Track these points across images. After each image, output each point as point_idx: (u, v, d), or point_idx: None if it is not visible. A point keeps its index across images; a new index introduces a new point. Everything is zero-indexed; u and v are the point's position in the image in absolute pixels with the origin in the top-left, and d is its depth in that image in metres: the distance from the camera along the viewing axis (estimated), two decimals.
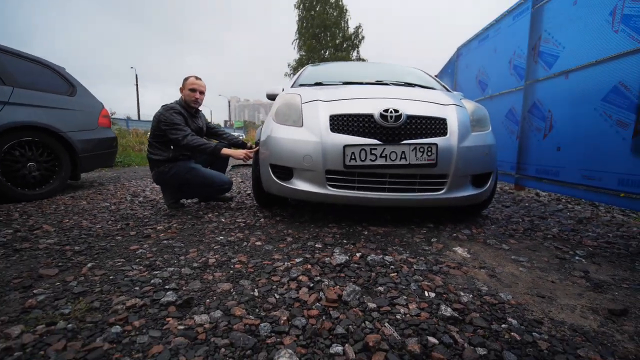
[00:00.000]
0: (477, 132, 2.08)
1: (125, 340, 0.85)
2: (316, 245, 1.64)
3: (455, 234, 1.90)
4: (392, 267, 1.36)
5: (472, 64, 5.31)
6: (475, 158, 2.00)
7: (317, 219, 2.18)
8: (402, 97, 2.06)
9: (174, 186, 2.51)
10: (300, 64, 21.79)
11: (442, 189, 1.91)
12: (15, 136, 2.66)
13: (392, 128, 1.84)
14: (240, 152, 2.40)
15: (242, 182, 4.26)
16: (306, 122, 1.99)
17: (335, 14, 21.48)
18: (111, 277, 1.24)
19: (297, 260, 1.43)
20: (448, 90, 2.84)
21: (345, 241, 1.72)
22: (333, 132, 1.88)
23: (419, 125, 1.88)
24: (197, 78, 2.48)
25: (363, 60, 22.42)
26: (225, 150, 2.40)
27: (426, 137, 1.87)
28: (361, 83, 2.66)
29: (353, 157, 1.83)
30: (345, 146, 1.82)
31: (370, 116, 1.87)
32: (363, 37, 22.36)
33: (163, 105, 2.40)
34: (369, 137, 1.85)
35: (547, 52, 3.27)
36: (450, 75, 6.43)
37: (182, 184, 2.48)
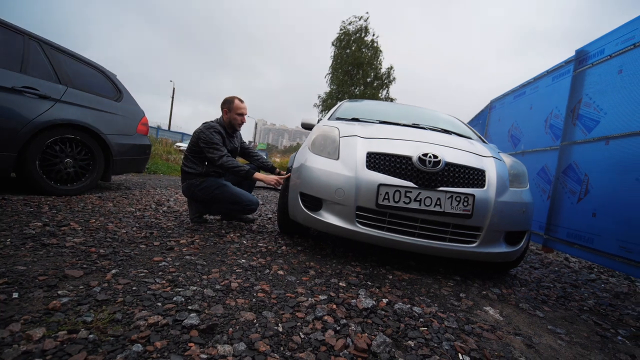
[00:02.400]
0: (515, 188, 2.03)
1: None
2: (340, 284, 1.56)
3: (484, 292, 1.78)
4: (421, 320, 1.27)
5: (505, 118, 5.32)
6: (511, 214, 1.92)
7: (338, 254, 2.12)
8: (441, 143, 2.05)
9: (202, 200, 2.52)
10: (330, 97, 22.49)
11: (474, 242, 1.83)
12: (59, 132, 2.78)
13: (429, 173, 1.81)
14: (272, 178, 2.41)
15: (262, 204, 4.26)
16: (342, 156, 1.99)
17: (369, 54, 22.31)
18: (134, 287, 1.21)
19: (322, 297, 1.36)
20: (484, 142, 2.81)
21: (369, 283, 1.64)
22: (369, 169, 1.87)
23: (457, 174, 1.85)
24: (241, 101, 2.55)
25: (392, 99, 22.91)
26: (258, 175, 2.42)
27: (463, 187, 1.82)
28: (398, 124, 2.68)
29: (387, 197, 1.79)
30: (379, 185, 1.79)
31: (409, 158, 1.86)
32: (394, 78, 22.93)
33: (204, 123, 2.48)
34: (404, 179, 1.81)
35: (587, 116, 3.23)
36: (481, 125, 6.44)
37: (210, 199, 2.49)
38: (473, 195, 1.78)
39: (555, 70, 3.92)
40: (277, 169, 2.85)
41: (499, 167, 2.01)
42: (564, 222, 3.35)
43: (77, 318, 0.94)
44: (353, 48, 22.01)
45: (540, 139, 4.04)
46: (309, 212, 2.00)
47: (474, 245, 1.82)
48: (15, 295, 1.03)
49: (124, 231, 2.00)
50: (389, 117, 2.92)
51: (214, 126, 2.43)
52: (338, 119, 2.79)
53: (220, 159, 2.34)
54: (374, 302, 1.36)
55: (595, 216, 2.96)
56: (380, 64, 22.68)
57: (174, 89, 34.99)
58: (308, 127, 3.17)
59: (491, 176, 1.90)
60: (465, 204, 1.78)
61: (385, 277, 1.78)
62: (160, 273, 1.40)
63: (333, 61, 22.73)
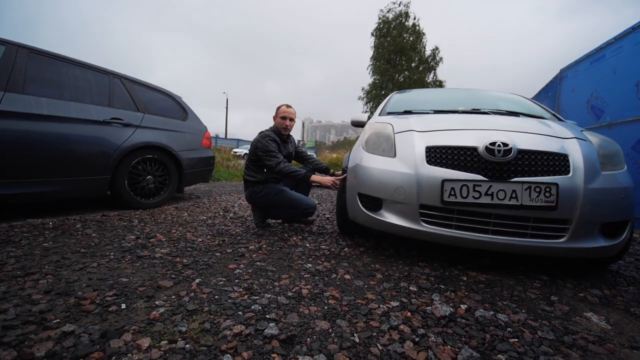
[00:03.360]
0: (609, 171, 1.74)
1: None
2: (410, 288, 1.51)
3: (581, 294, 1.57)
4: (509, 329, 1.16)
5: (581, 87, 4.66)
6: (606, 202, 1.65)
7: (403, 255, 2.05)
8: (509, 128, 1.86)
9: (263, 206, 2.65)
10: (374, 88, 22.07)
11: (562, 236, 1.61)
12: (141, 153, 3.15)
13: (499, 163, 1.64)
14: (328, 180, 2.43)
15: (319, 203, 4.33)
16: (399, 153, 1.91)
17: (412, 39, 21.38)
18: (216, 296, 1.31)
19: (394, 304, 1.32)
20: (560, 120, 2.49)
21: (442, 286, 1.55)
22: (430, 164, 1.76)
23: (534, 162, 1.65)
24: (288, 106, 2.64)
25: (441, 82, 21.59)
26: (315, 178, 2.46)
27: (543, 175, 1.62)
28: (456, 111, 2.50)
29: (453, 192, 1.67)
30: (444, 180, 1.68)
31: (474, 149, 1.71)
32: (441, 59, 21.71)
33: (260, 132, 2.59)
34: (471, 172, 1.67)
35: None
36: (551, 99, 5.72)
37: (271, 205, 2.60)
38: (556, 184, 1.57)
39: None
40: (331, 170, 2.89)
41: (585, 148, 1.75)
42: None
43: (173, 328, 1.05)
44: (394, 34, 21.23)
45: (632, 107, 3.44)
46: (369, 213, 1.96)
47: (562, 240, 1.61)
48: (123, 306, 1.18)
49: (200, 240, 2.18)
50: (444, 105, 2.75)
51: (268, 135, 2.52)
52: (389, 113, 2.69)
53: (278, 165, 2.42)
54: (451, 309, 1.28)
55: None
56: (424, 47, 21.61)
57: (227, 100, 37.37)
58: (358, 124, 3.11)
59: (577, 160, 1.66)
60: (548, 194, 1.58)
61: (459, 279, 1.67)
62: (236, 281, 1.49)
63: (374, 51, 22.33)
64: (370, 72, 22.59)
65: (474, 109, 2.53)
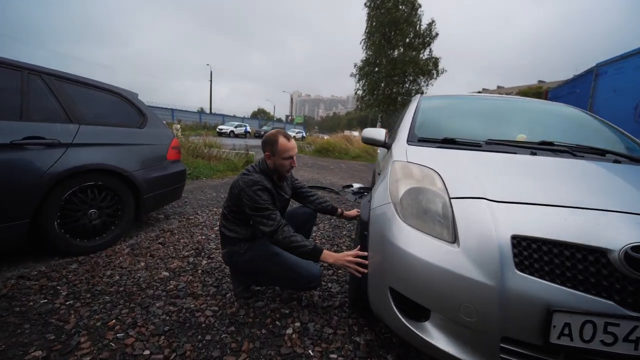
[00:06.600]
0: None
1: None
2: None
3: None
4: None
5: (625, 88, 3.95)
6: None
7: None
8: (633, 200, 1.17)
9: (247, 272, 1.91)
10: (367, 64, 21.01)
11: None
12: (77, 181, 2.29)
13: None
14: (343, 258, 1.63)
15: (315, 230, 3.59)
16: (464, 239, 1.18)
17: (406, 10, 19.94)
18: None
19: None
20: None
21: None
22: (522, 272, 1.05)
23: None
24: (287, 139, 1.80)
25: (436, 59, 20.47)
26: (326, 257, 1.67)
27: None
28: (519, 145, 1.79)
29: (567, 331, 0.99)
30: (553, 311, 0.99)
31: (602, 253, 1.01)
32: (437, 34, 20.61)
33: (243, 175, 1.78)
34: (598, 296, 0.99)
35: None
36: (579, 96, 5.03)
37: (258, 272, 1.86)
38: None
39: None
40: (339, 210, 2.20)
41: None
42: None
43: None
44: (389, 5, 19.70)
45: None
46: (407, 323, 1.27)
47: None
48: None
49: (147, 352, 1.44)
50: (493, 127, 2.13)
51: (257, 181, 1.71)
52: (421, 140, 1.91)
53: (275, 233, 1.67)
54: None
55: None
56: (420, 19, 20.26)
57: (211, 72, 35.38)
58: (372, 142, 2.34)
59: None
60: None
61: None
62: None
63: (367, 24, 20.80)
64: (364, 47, 21.22)
65: (543, 142, 1.81)
